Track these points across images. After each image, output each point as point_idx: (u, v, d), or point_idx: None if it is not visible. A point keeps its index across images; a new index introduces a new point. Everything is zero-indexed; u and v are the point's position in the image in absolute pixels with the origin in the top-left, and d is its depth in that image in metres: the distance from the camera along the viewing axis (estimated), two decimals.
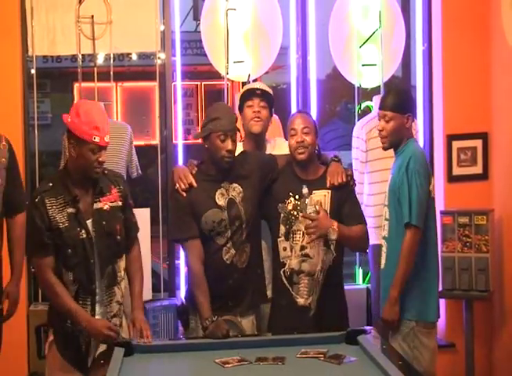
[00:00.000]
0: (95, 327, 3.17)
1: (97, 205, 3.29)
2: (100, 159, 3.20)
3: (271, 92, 3.89)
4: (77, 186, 3.26)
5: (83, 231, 3.24)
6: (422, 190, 3.50)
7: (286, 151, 3.71)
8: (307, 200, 3.50)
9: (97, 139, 3.17)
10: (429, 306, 3.56)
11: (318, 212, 3.48)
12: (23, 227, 3.51)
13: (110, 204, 3.33)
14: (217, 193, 3.54)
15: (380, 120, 3.62)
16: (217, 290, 3.51)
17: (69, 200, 3.24)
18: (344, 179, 3.60)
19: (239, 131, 3.64)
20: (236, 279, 3.55)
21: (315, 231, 3.46)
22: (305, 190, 3.50)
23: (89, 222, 3.27)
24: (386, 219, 3.61)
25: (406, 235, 3.47)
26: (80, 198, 3.25)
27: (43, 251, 3.23)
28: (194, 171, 3.59)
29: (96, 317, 3.29)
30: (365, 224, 3.68)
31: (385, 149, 3.67)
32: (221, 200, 3.54)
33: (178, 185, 3.55)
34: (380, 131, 3.61)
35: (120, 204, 3.36)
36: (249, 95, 3.85)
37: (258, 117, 3.79)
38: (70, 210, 3.24)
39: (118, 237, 3.34)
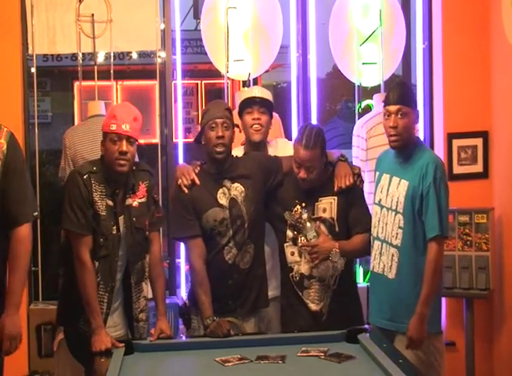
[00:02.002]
0: (101, 336, 3.15)
1: (127, 202, 3.32)
2: (120, 149, 3.19)
3: (270, 98, 3.86)
4: (113, 181, 3.28)
5: (115, 227, 3.26)
6: (448, 201, 3.43)
7: (290, 152, 3.67)
8: (308, 224, 3.47)
9: (114, 127, 3.19)
10: (438, 314, 3.54)
11: (318, 236, 3.46)
12: (26, 243, 3.06)
13: (139, 201, 3.35)
14: (218, 192, 3.54)
15: (389, 115, 3.44)
16: (218, 290, 3.50)
17: (109, 192, 3.25)
18: (352, 181, 3.56)
19: (237, 126, 3.62)
20: (238, 279, 3.54)
21: (317, 256, 3.45)
22: (305, 215, 3.49)
23: (120, 219, 3.29)
24: (400, 228, 3.46)
25: (434, 248, 3.36)
26: (118, 193, 3.29)
27: (85, 228, 3.20)
28: (197, 170, 3.59)
29: (117, 314, 3.34)
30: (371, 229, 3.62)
31: (396, 148, 3.49)
32: (222, 199, 3.53)
33: (180, 180, 3.55)
34: (394, 127, 3.42)
35: (146, 199, 3.38)
36: (248, 102, 3.82)
37: (258, 125, 3.76)
38: (109, 202, 3.25)
39: (147, 233, 3.38)
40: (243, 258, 3.54)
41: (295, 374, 2.88)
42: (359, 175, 3.64)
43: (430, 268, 3.36)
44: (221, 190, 3.54)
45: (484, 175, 4.95)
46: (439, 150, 4.98)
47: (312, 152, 3.48)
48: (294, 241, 3.59)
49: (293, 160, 3.55)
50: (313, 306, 3.57)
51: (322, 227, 3.54)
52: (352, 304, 3.64)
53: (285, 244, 3.61)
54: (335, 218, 3.55)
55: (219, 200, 3.53)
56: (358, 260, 5.05)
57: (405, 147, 3.48)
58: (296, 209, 3.56)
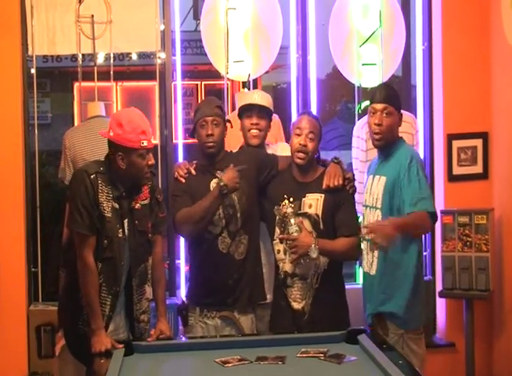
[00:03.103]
0: (101, 337, 3.15)
1: (131, 204, 3.31)
2: (150, 162, 3.22)
3: (270, 103, 3.91)
4: (120, 183, 3.27)
5: (120, 230, 3.26)
6: (427, 181, 3.46)
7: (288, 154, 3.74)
8: (291, 220, 3.49)
9: (145, 143, 3.19)
10: (419, 315, 3.52)
11: (301, 231, 3.46)
12: None
13: (141, 203, 3.35)
14: (211, 182, 3.60)
15: (375, 113, 3.51)
16: (214, 283, 3.55)
17: (115, 195, 3.24)
18: (341, 182, 3.56)
19: (228, 122, 3.70)
20: (233, 270, 3.58)
21: (295, 251, 3.45)
22: (290, 210, 3.50)
23: (125, 222, 3.28)
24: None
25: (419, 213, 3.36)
26: (124, 196, 3.28)
27: (90, 229, 3.18)
28: (193, 167, 3.66)
29: (120, 318, 3.33)
30: (358, 234, 3.62)
31: (377, 146, 3.57)
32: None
33: (176, 173, 3.64)
34: (378, 125, 3.48)
35: (149, 201, 3.38)
36: (248, 108, 3.88)
37: (256, 129, 3.82)
38: (115, 205, 3.24)
39: (150, 235, 3.38)
40: (238, 249, 3.58)
41: (295, 374, 2.87)
42: (351, 181, 3.63)
43: (414, 215, 3.34)
44: (214, 181, 3.60)
45: (484, 175, 4.95)
46: (439, 150, 4.99)
47: (314, 120, 3.63)
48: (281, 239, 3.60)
49: (294, 130, 3.61)
50: (295, 305, 3.58)
51: (306, 223, 3.55)
52: (336, 305, 3.61)
53: (273, 242, 3.64)
54: (320, 215, 3.56)
55: (211, 190, 3.58)
56: (358, 261, 5.07)
57: (386, 146, 3.54)
58: (283, 203, 3.57)
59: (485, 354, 4.86)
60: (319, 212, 3.56)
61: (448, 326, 4.92)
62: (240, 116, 3.91)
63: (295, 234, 3.45)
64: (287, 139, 4.68)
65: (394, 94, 3.59)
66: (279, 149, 4.03)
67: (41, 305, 4.69)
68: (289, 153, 3.72)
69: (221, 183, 3.47)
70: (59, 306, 3.52)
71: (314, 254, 3.44)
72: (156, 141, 5.19)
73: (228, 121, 3.71)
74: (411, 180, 3.40)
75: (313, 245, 3.43)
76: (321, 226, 3.56)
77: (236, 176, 3.48)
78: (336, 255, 3.57)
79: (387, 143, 3.53)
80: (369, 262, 3.57)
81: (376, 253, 3.52)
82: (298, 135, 3.58)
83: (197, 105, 3.78)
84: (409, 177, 3.41)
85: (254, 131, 3.82)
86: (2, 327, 4.54)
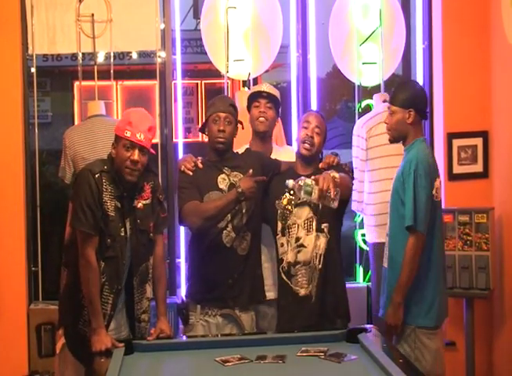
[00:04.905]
0: (101, 336, 3.15)
1: (133, 204, 3.31)
2: (132, 157, 3.18)
3: (277, 94, 3.97)
4: (121, 183, 3.26)
5: (122, 229, 3.26)
6: (426, 195, 3.45)
7: (292, 159, 3.81)
8: (307, 181, 3.40)
9: (128, 134, 3.17)
10: (429, 313, 3.50)
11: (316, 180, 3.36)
12: None
13: (144, 202, 3.35)
14: (219, 177, 3.65)
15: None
16: (216, 277, 3.58)
17: (117, 195, 3.25)
18: (336, 163, 3.70)
19: (240, 123, 3.74)
20: (235, 265, 3.60)
21: (326, 183, 3.30)
22: (291, 182, 3.40)
23: (127, 221, 3.28)
24: (389, 217, 3.59)
25: (409, 240, 3.41)
26: (126, 195, 3.28)
27: (93, 228, 3.18)
28: (199, 161, 3.69)
29: (120, 316, 3.33)
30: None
31: (391, 142, 3.68)
32: (222, 184, 3.64)
33: (183, 166, 3.66)
34: (386, 123, 3.64)
35: (151, 200, 3.38)
36: (256, 96, 3.94)
37: (264, 117, 3.89)
38: (118, 204, 3.25)
39: (151, 235, 3.38)
40: (241, 244, 3.62)
41: (295, 373, 2.88)
42: (350, 169, 3.84)
43: (404, 258, 3.43)
44: (221, 176, 3.66)
45: (484, 174, 4.95)
46: (439, 149, 4.98)
47: (321, 118, 3.73)
48: (283, 232, 3.66)
49: (302, 124, 3.70)
50: (302, 291, 3.62)
51: (306, 209, 3.63)
52: (337, 284, 3.67)
53: (276, 237, 3.68)
54: (316, 197, 3.50)
55: (219, 184, 3.64)
56: (358, 259, 5.07)
57: (403, 143, 3.62)
58: (284, 196, 3.66)
59: (485, 353, 4.87)
60: (315, 193, 3.58)
61: (449, 325, 4.91)
62: (249, 107, 3.97)
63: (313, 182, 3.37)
64: (288, 140, 4.70)
65: (400, 92, 3.61)
66: (284, 152, 4.07)
67: (41, 304, 4.69)
68: (292, 158, 3.76)
69: (239, 190, 3.48)
70: (60, 305, 3.52)
71: (334, 204, 3.35)
72: (156, 140, 5.20)
73: (240, 122, 3.75)
74: (407, 194, 3.46)
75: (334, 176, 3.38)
76: (320, 208, 3.61)
77: (253, 186, 3.50)
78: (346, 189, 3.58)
79: (397, 140, 3.63)
80: (385, 255, 3.62)
81: (387, 246, 3.58)
82: (306, 127, 3.68)
83: (211, 100, 3.80)
84: (411, 186, 3.45)
85: (262, 119, 3.88)
86: (2, 326, 4.54)
